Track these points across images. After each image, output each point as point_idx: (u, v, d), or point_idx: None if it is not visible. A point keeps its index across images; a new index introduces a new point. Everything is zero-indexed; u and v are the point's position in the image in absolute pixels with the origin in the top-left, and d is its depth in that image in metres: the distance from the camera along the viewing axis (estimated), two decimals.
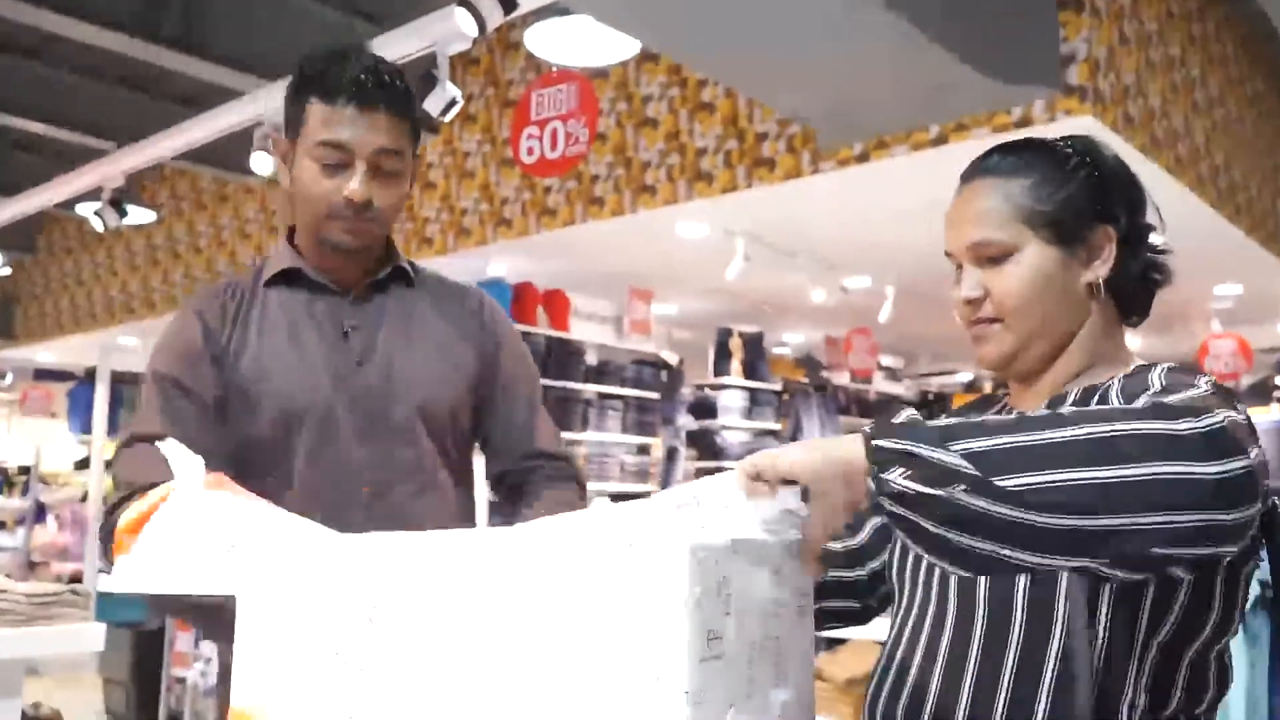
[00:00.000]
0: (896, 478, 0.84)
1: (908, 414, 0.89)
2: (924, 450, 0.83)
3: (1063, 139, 1.18)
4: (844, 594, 1.32)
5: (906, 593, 1.18)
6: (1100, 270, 1.13)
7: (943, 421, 0.88)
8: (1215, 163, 5.61)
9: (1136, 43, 4.76)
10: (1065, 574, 1.02)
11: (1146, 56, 4.87)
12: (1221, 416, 0.85)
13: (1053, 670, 1.02)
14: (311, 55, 1.48)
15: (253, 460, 1.46)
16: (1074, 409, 0.89)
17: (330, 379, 1.48)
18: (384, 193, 1.46)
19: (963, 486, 0.81)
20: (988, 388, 8.54)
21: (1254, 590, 1.17)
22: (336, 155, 1.43)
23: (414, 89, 1.54)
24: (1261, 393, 6.04)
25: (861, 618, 1.35)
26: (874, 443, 0.85)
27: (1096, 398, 1.09)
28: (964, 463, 0.81)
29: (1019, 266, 1.12)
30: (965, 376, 9.98)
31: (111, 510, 1.34)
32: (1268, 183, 6.50)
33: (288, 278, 1.54)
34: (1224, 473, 0.81)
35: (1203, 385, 0.98)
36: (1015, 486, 0.80)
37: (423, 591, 0.87)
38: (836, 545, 1.33)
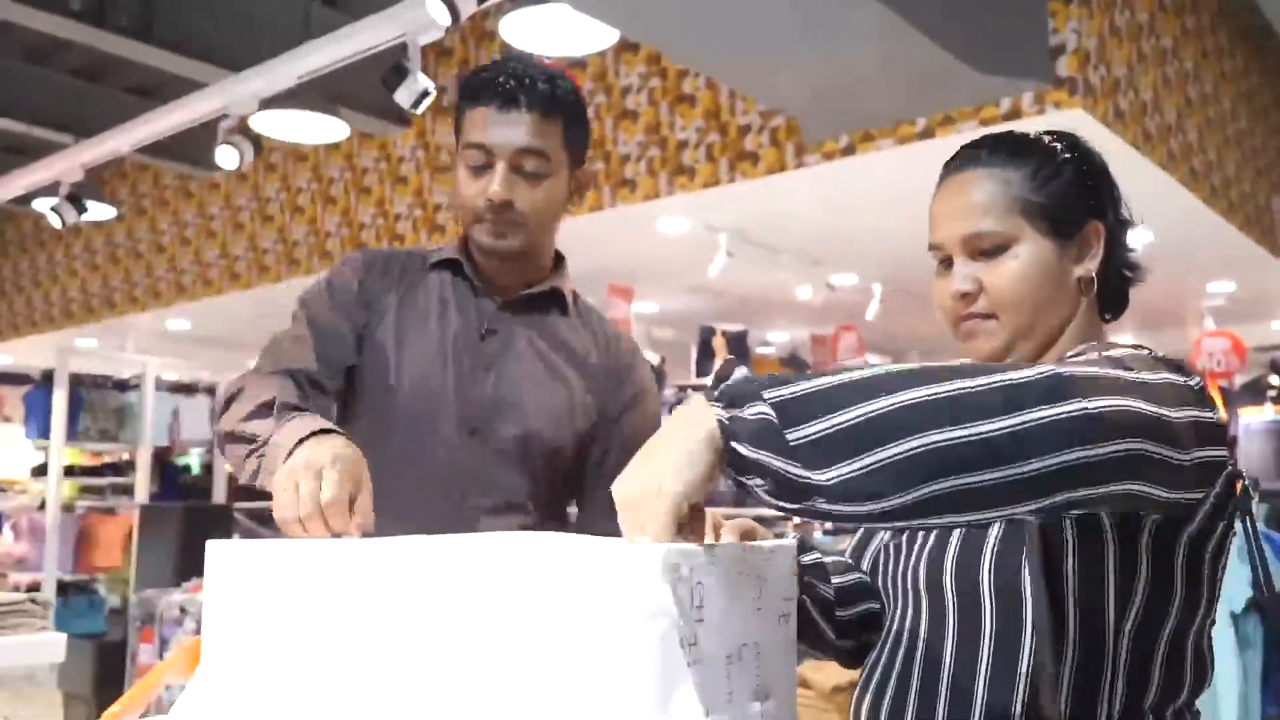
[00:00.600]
0: (756, 489, 0.82)
1: (739, 375, 0.85)
2: (775, 462, 0.80)
3: (1047, 133, 1.18)
4: (830, 625, 1.26)
5: (888, 598, 1.19)
6: (1091, 265, 1.13)
7: (787, 392, 0.82)
8: (1208, 158, 5.53)
9: (1127, 34, 4.67)
10: (1026, 566, 1.03)
11: (1138, 48, 4.78)
12: (1060, 370, 0.85)
13: (1027, 665, 1.03)
14: (477, 68, 1.53)
15: (354, 417, 1.50)
16: (901, 367, 0.85)
17: (454, 373, 1.50)
18: (528, 194, 1.48)
19: (820, 499, 0.80)
20: None
21: (1246, 593, 1.19)
22: (479, 157, 1.46)
23: (568, 95, 1.53)
24: (1255, 392, 5.97)
25: (844, 659, 1.28)
26: (731, 446, 0.81)
27: None
28: (809, 473, 0.79)
29: (1017, 260, 1.11)
30: None
31: (226, 405, 1.36)
32: (1261, 178, 6.44)
33: (452, 268, 1.58)
34: (1051, 416, 0.81)
35: (1123, 355, 0.98)
36: (855, 473, 0.79)
37: (392, 601, 0.86)
38: (833, 581, 1.26)
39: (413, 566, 0.86)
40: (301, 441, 1.16)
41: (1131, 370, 0.92)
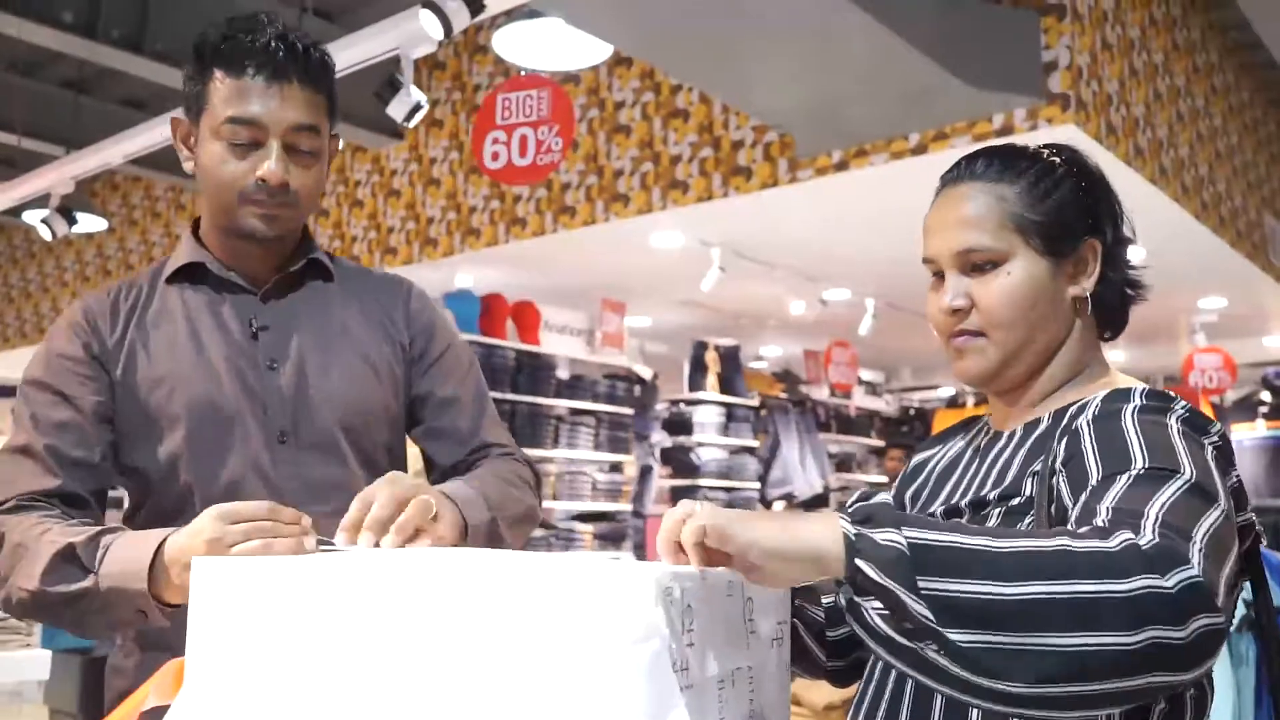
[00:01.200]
0: (872, 612, 0.81)
1: (880, 500, 0.87)
2: (904, 596, 0.79)
3: (1046, 147, 1.15)
4: (821, 648, 1.24)
5: None
6: (1086, 284, 1.11)
7: (923, 536, 0.81)
8: (1199, 174, 5.55)
9: (1119, 50, 4.68)
10: None
11: (1130, 64, 4.80)
12: (1194, 564, 0.82)
13: None
14: (213, 26, 1.35)
15: (150, 481, 1.33)
16: (1046, 545, 0.83)
17: (238, 385, 1.34)
18: (301, 174, 1.33)
19: (933, 646, 0.79)
20: (970, 402, 8.45)
21: (1239, 611, 1.19)
22: (247, 133, 1.30)
23: (329, 65, 1.40)
24: (1246, 408, 5.97)
25: (834, 679, 1.25)
26: (856, 563, 0.80)
27: (1065, 423, 1.06)
28: (936, 621, 0.78)
29: (1010, 277, 1.08)
30: (947, 391, 9.92)
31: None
32: (1252, 193, 6.46)
33: (191, 274, 1.40)
34: (1192, 634, 0.79)
35: (1179, 448, 0.95)
36: (979, 644, 0.78)
37: (380, 619, 0.83)
38: (823, 601, 1.24)
39: (402, 584, 0.84)
40: (153, 563, 1.09)
41: (1212, 497, 0.90)
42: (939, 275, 1.14)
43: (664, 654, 0.75)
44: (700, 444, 8.12)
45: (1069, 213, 1.10)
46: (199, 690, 0.90)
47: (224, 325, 1.37)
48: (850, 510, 0.84)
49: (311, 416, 1.36)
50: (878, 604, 0.80)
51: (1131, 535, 0.84)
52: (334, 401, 1.37)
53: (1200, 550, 0.84)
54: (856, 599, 0.80)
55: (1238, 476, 0.98)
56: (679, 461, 8.07)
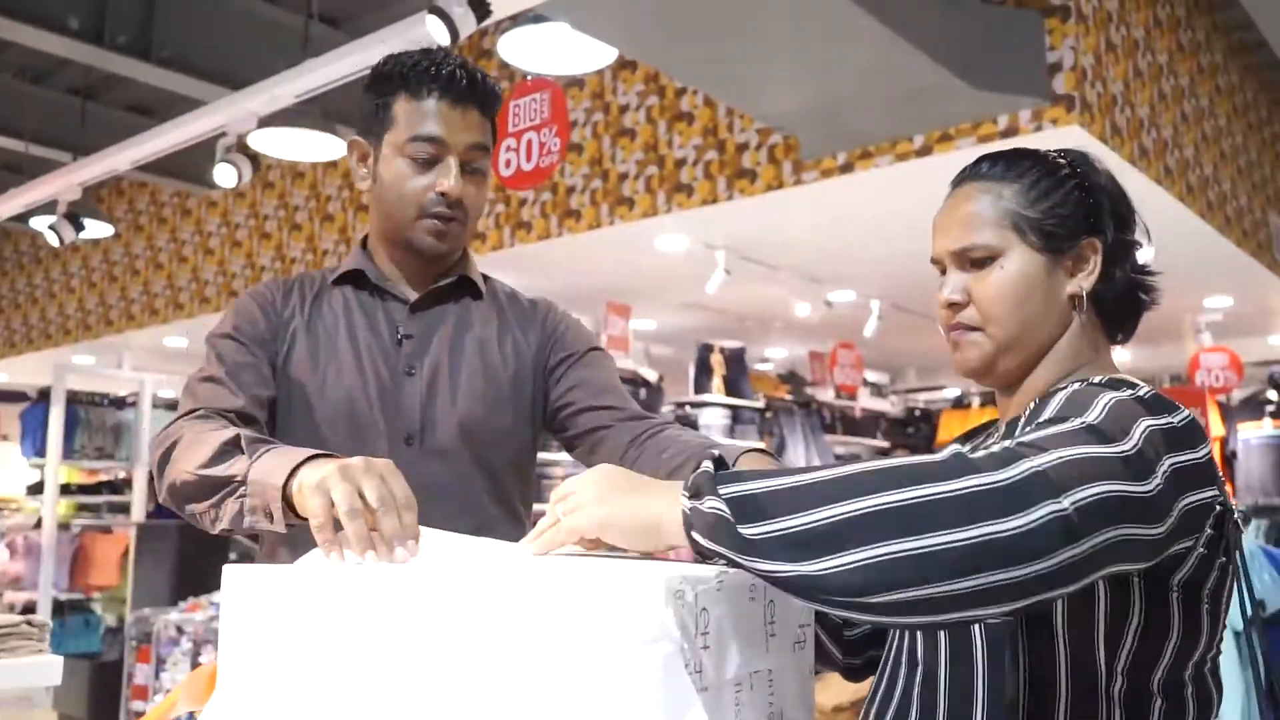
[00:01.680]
0: (719, 568, 0.85)
1: (703, 469, 0.88)
2: (734, 556, 0.82)
3: (1055, 150, 1.17)
4: (838, 646, 1.29)
5: None
6: (1084, 282, 1.12)
7: (745, 489, 0.84)
8: (1204, 173, 5.55)
9: (1124, 51, 4.68)
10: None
11: (1134, 65, 4.79)
12: (1034, 463, 0.84)
13: (1023, 703, 1.02)
14: (394, 55, 1.47)
15: None
16: (872, 466, 0.86)
17: (376, 386, 1.45)
18: (473, 192, 1.46)
19: (787, 590, 0.82)
20: (975, 403, 8.44)
21: (1248, 612, 1.18)
22: (429, 150, 1.42)
23: (498, 96, 1.51)
24: (1254, 406, 5.95)
25: (848, 675, 1.30)
26: (691, 535, 0.85)
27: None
28: (773, 566, 0.80)
29: (1003, 271, 1.11)
30: (953, 392, 9.90)
31: (165, 458, 1.27)
32: (1257, 193, 6.45)
33: (355, 280, 1.53)
34: (1020, 527, 0.80)
35: (1098, 407, 0.95)
36: (823, 572, 0.79)
37: (403, 625, 0.84)
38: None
39: (419, 592, 0.85)
40: (297, 469, 1.08)
41: (1113, 439, 0.91)
42: (945, 274, 1.17)
43: (676, 656, 0.75)
44: None
45: (1067, 210, 1.12)
46: (229, 697, 0.91)
47: (376, 329, 1.48)
48: (686, 487, 0.87)
49: (436, 424, 1.44)
50: (723, 564, 0.84)
51: (961, 452, 0.87)
52: (457, 414, 1.45)
53: (1053, 458, 0.85)
54: (705, 560, 0.85)
55: (1192, 459, 0.96)
56: None
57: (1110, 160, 4.45)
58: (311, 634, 0.88)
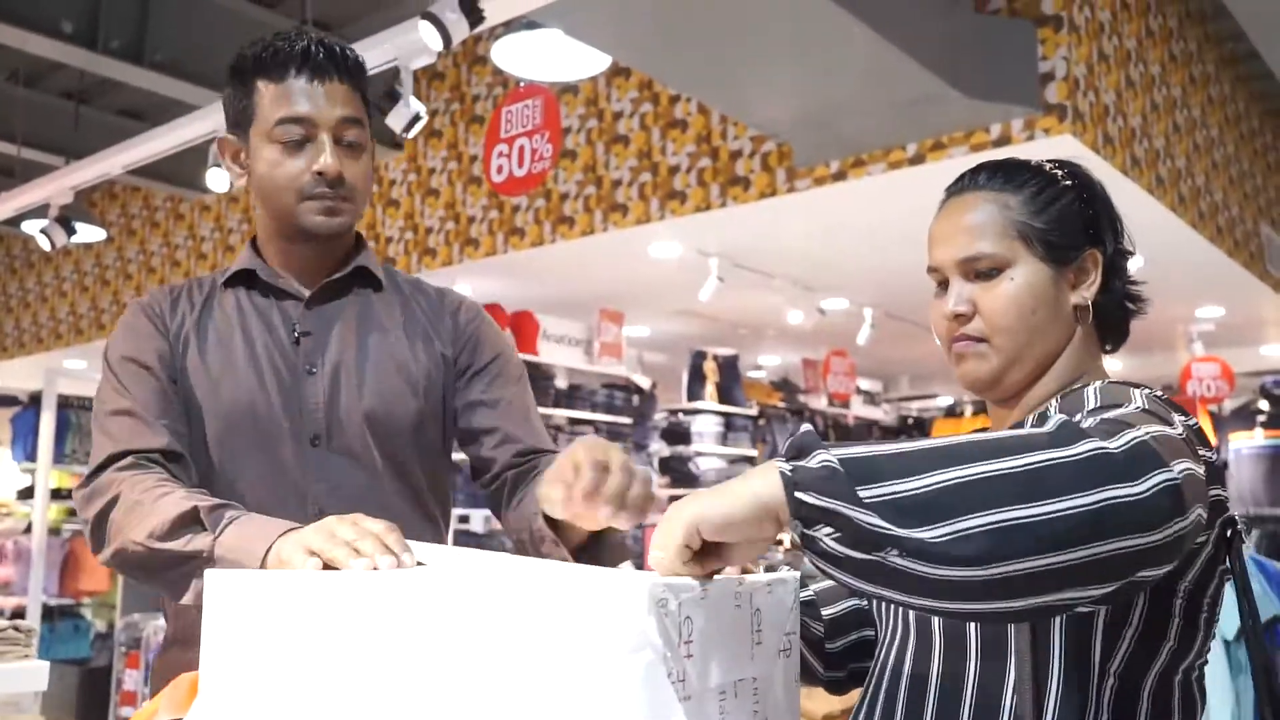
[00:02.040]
0: (824, 538, 0.76)
1: (805, 429, 0.82)
2: (848, 510, 0.75)
3: (1048, 160, 1.17)
4: (819, 660, 1.27)
5: (883, 623, 1.17)
6: (1087, 293, 1.13)
7: (854, 452, 0.79)
8: (1196, 184, 5.56)
9: (1116, 61, 4.70)
10: None
11: (1126, 75, 4.81)
12: (1137, 433, 0.82)
13: (1011, 705, 1.01)
14: (246, 45, 1.41)
15: (200, 474, 1.36)
16: (985, 438, 0.81)
17: (276, 387, 1.38)
18: (353, 166, 1.39)
19: (894, 551, 0.75)
20: (968, 412, 8.45)
21: (1236, 622, 1.15)
22: (298, 130, 1.36)
23: (376, 101, 1.44)
24: (1244, 417, 5.97)
25: (831, 688, 1.27)
26: (796, 495, 0.77)
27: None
28: (887, 525, 0.75)
29: (1012, 283, 1.10)
30: (945, 400, 9.92)
31: (104, 516, 1.25)
32: (1249, 204, 6.47)
33: (247, 281, 1.46)
34: (1147, 490, 0.78)
35: (1136, 398, 0.97)
36: (939, 538, 0.74)
37: (385, 633, 0.83)
38: (823, 614, 1.26)
39: (408, 597, 0.84)
40: (273, 545, 1.06)
41: (1168, 423, 0.90)
42: (943, 284, 1.15)
43: (659, 664, 0.75)
44: (699, 453, 8.11)
45: (1071, 222, 1.12)
46: (212, 704, 0.91)
47: (272, 329, 1.42)
48: (783, 451, 0.81)
49: (342, 423, 1.38)
50: (828, 529, 0.76)
51: (1072, 420, 0.84)
52: (362, 410, 1.39)
53: (1147, 431, 0.83)
54: (808, 532, 0.77)
55: (1209, 459, 0.97)
56: (677, 471, 8.06)
57: (1102, 170, 4.43)
58: (295, 640, 0.88)
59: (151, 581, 1.22)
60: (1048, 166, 1.16)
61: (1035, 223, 1.11)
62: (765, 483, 0.78)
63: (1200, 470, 0.88)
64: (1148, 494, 0.77)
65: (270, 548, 1.06)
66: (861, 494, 0.75)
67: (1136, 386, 1.04)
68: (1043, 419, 1.10)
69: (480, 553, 1.07)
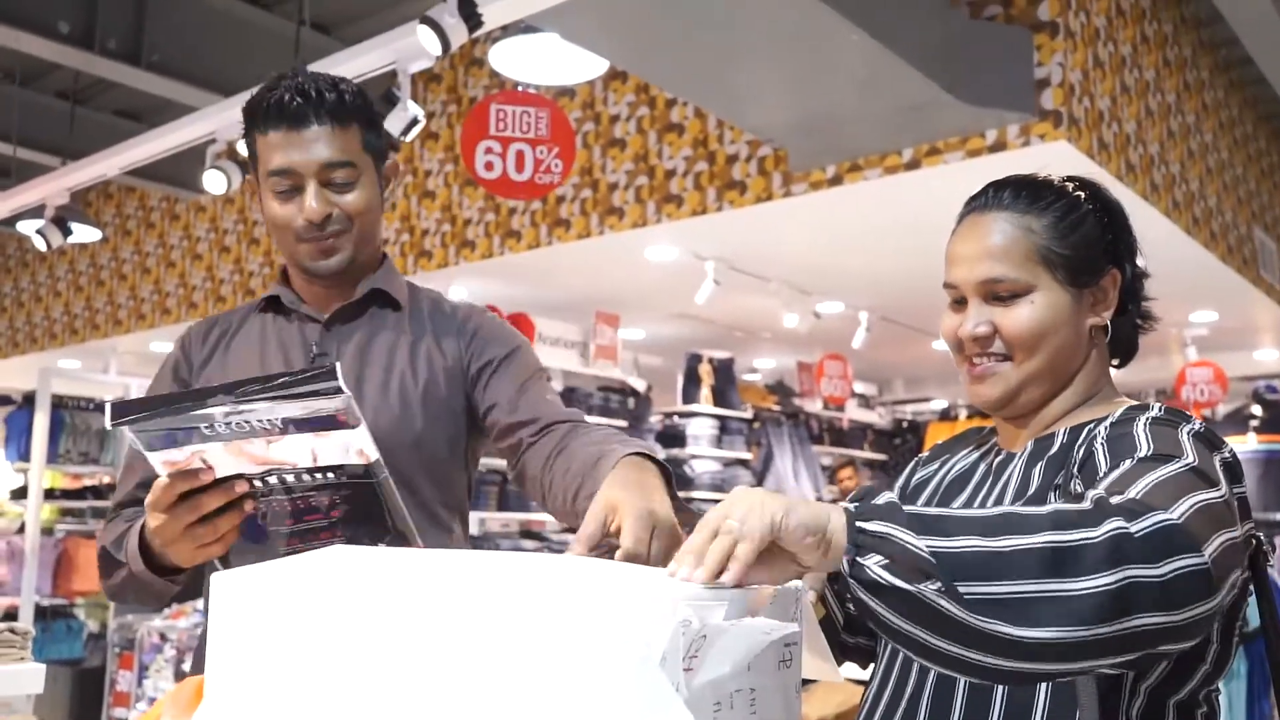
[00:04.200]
0: (873, 566, 0.80)
1: (887, 497, 0.88)
2: (903, 535, 0.80)
3: (1069, 179, 1.18)
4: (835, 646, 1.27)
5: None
6: (1105, 314, 1.14)
7: (922, 510, 0.84)
8: (1190, 189, 5.58)
9: (1111, 67, 4.72)
10: None
11: (1121, 81, 4.83)
12: (1175, 513, 0.84)
13: (1042, 713, 1.01)
14: (252, 92, 1.47)
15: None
16: (1036, 510, 0.85)
17: None
18: (351, 200, 1.45)
19: (934, 585, 0.79)
20: (962, 415, 8.46)
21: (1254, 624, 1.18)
22: (286, 181, 1.43)
23: (372, 101, 1.51)
24: (1237, 421, 5.99)
25: (840, 652, 1.28)
26: (857, 524, 0.81)
27: (1083, 438, 1.08)
28: (935, 560, 0.79)
29: (1033, 307, 1.11)
30: (940, 404, 9.93)
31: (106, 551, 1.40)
32: (1242, 209, 6.50)
33: (275, 306, 1.56)
34: (1170, 573, 0.81)
35: (1187, 449, 0.97)
36: (978, 595, 0.79)
37: (396, 627, 0.83)
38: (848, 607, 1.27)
39: (418, 597, 0.84)
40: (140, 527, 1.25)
41: (1214, 483, 0.93)
42: (959, 301, 1.16)
43: (660, 674, 0.75)
44: (694, 456, 8.11)
45: (1093, 246, 1.13)
46: (218, 707, 0.91)
47: (292, 350, 1.51)
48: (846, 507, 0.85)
49: None
50: (878, 557, 0.80)
51: (1107, 497, 0.87)
52: (371, 431, 1.42)
53: (1182, 510, 0.86)
54: (859, 559, 0.80)
55: (1244, 492, 1.01)
56: (672, 474, 8.05)
57: (1097, 176, 4.44)
58: (302, 642, 0.87)
59: (139, 601, 1.42)
60: (1070, 188, 1.16)
61: (1059, 248, 1.11)
62: (828, 510, 0.82)
63: (1239, 533, 0.91)
64: (1168, 576, 0.81)
65: (140, 530, 1.23)
66: (918, 533, 0.80)
67: (1185, 420, 1.05)
68: (1047, 442, 1.12)
69: (497, 554, 1.07)
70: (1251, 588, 1.07)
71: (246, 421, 0.98)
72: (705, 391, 8.09)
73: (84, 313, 8.97)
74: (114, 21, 5.01)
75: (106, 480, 7.85)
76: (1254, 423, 5.87)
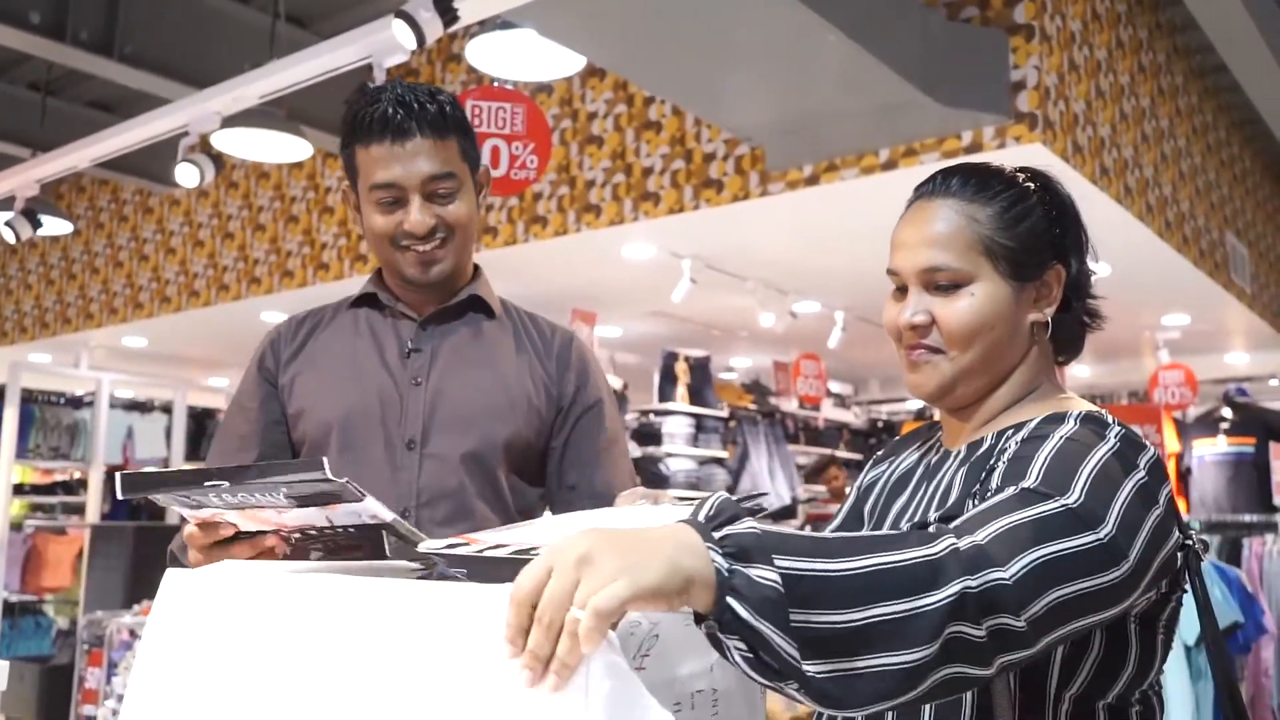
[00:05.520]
0: (735, 648, 0.76)
1: (747, 527, 0.77)
2: (774, 636, 0.74)
3: (1021, 170, 1.15)
4: None
5: None
6: (1047, 310, 1.12)
7: (796, 568, 0.77)
8: (1163, 193, 5.63)
9: (1086, 71, 4.75)
10: None
11: (1096, 85, 4.86)
12: (1008, 572, 0.84)
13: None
14: (349, 103, 1.51)
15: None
16: (895, 560, 0.82)
17: (380, 394, 1.51)
18: (445, 212, 1.49)
19: (794, 684, 0.76)
20: (936, 415, 8.50)
21: (1196, 628, 1.16)
22: (390, 194, 1.46)
23: (454, 110, 1.51)
24: (1208, 424, 6.04)
25: None
26: (727, 601, 0.74)
27: (1003, 440, 1.07)
28: (798, 656, 0.75)
29: (972, 299, 1.09)
30: (915, 404, 9.97)
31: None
32: (1215, 213, 6.56)
33: (370, 303, 1.60)
34: (985, 634, 0.81)
35: (1082, 475, 0.94)
36: (830, 677, 0.76)
37: (329, 636, 0.82)
38: None
39: (356, 604, 0.83)
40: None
41: (1090, 525, 0.91)
42: (901, 289, 1.14)
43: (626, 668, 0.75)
44: (669, 454, 8.12)
45: (1038, 240, 1.10)
46: (139, 699, 0.89)
47: (386, 344, 1.55)
48: (720, 540, 0.76)
49: (437, 431, 1.49)
50: (741, 644, 0.75)
51: (955, 540, 0.84)
52: (458, 422, 1.50)
53: (1023, 565, 0.85)
54: (721, 636, 0.75)
55: (1164, 513, 0.97)
56: (648, 472, 8.06)
57: (1071, 179, 4.46)
58: (239, 642, 0.87)
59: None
60: (1020, 179, 1.13)
61: (1002, 239, 1.08)
62: (696, 563, 0.74)
63: (1102, 580, 0.89)
64: (984, 637, 0.82)
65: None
66: (792, 620, 0.75)
67: (1103, 432, 1.02)
68: (976, 447, 1.11)
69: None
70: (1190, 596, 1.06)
71: (251, 497, 0.97)
72: (681, 390, 8.09)
73: (55, 306, 8.87)
74: (86, 12, 4.95)
75: (77, 475, 7.78)
76: (1224, 425, 5.92)
